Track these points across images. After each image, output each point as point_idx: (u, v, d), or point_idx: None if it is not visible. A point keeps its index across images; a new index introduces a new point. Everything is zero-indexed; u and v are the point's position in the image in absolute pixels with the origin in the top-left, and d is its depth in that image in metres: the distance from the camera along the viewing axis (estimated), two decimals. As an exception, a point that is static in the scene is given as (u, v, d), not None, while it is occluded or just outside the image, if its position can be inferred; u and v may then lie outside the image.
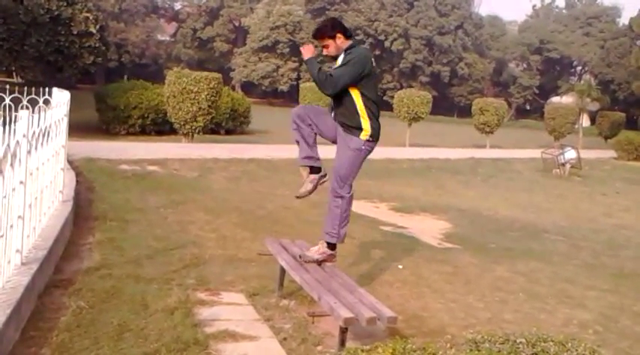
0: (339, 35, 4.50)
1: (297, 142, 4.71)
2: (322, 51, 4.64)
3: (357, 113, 4.50)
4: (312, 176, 4.73)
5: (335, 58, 4.59)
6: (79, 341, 3.75)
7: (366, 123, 4.51)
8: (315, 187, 4.74)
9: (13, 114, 5.44)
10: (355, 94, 4.48)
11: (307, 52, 4.57)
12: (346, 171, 4.58)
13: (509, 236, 9.21)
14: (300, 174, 4.84)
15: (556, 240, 9.19)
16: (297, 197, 4.81)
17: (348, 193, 4.62)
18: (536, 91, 63.28)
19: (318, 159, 4.74)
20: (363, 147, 4.56)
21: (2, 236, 3.80)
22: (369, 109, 4.52)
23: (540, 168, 19.50)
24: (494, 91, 62.07)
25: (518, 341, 2.73)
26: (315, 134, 4.70)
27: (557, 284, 6.52)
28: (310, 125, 4.64)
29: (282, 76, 56.65)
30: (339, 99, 4.54)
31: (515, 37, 66.76)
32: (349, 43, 4.54)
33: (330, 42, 4.51)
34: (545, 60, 63.75)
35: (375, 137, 4.58)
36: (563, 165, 18.85)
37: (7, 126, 3.92)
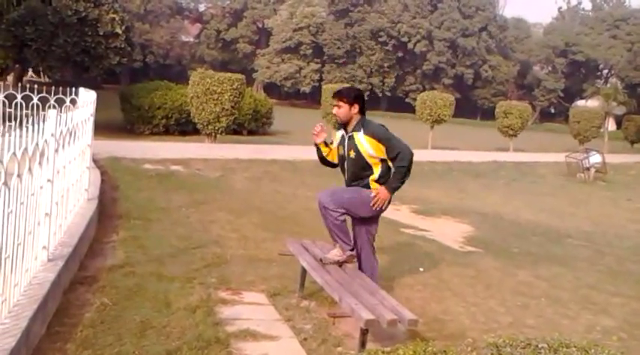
0: (355, 105, 4.66)
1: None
2: (333, 108, 4.77)
3: (369, 180, 4.64)
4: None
5: (341, 122, 4.73)
6: (103, 337, 3.81)
7: (375, 186, 4.65)
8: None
9: (41, 113, 5.54)
10: (376, 165, 4.62)
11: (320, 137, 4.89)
12: (345, 202, 4.62)
13: (532, 240, 9.12)
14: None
15: (579, 246, 9.07)
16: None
17: (338, 215, 4.61)
18: (561, 95, 62.46)
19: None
20: (372, 195, 4.62)
21: (30, 233, 3.87)
22: (381, 175, 4.64)
23: (564, 173, 19.25)
24: (518, 94, 61.40)
25: (540, 346, 2.70)
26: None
27: (580, 289, 6.44)
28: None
29: (304, 77, 56.74)
30: (362, 169, 4.64)
31: (540, 39, 65.98)
32: (360, 117, 4.68)
33: (345, 106, 4.66)
34: (571, 63, 62.90)
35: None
36: (588, 169, 18.58)
37: (35, 125, 4.00)
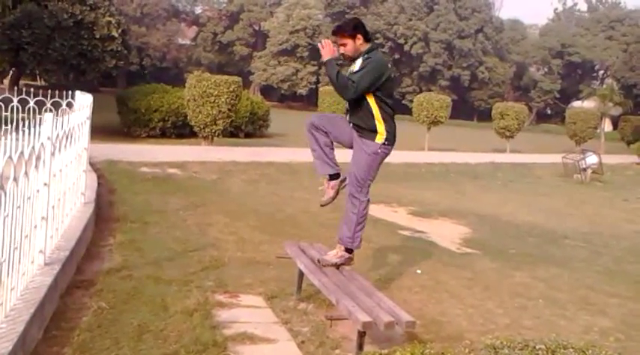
0: (358, 36, 4.47)
1: (314, 151, 4.70)
2: (339, 49, 4.59)
3: (373, 117, 4.48)
4: (333, 182, 4.73)
5: (351, 59, 4.55)
6: (100, 341, 3.80)
7: (381, 126, 4.48)
8: (337, 193, 4.75)
9: (37, 116, 5.54)
10: (371, 99, 4.46)
11: (327, 51, 4.51)
12: (364, 174, 4.56)
13: (529, 241, 9.13)
14: (320, 182, 4.85)
15: (577, 246, 9.09)
16: (321, 205, 4.80)
17: (366, 197, 4.61)
18: (558, 96, 62.63)
19: (337, 165, 4.75)
20: (379, 151, 4.53)
21: (27, 236, 3.87)
22: (384, 113, 4.50)
23: (561, 173, 19.29)
24: (514, 95, 61.55)
25: (537, 347, 2.71)
26: (332, 142, 4.70)
27: (577, 290, 6.45)
28: (326, 133, 4.64)
29: (301, 79, 56.77)
30: (355, 102, 4.52)
31: (536, 40, 66.13)
32: (368, 46, 4.52)
33: (349, 41, 4.47)
34: (567, 64, 63.07)
35: (390, 140, 4.55)
36: (585, 170, 18.62)
37: (32, 129, 3.99)
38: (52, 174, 4.51)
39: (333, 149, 4.72)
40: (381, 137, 4.50)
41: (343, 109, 4.91)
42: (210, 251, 6.19)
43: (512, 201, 13.66)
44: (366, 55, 4.47)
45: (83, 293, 4.56)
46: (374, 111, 4.48)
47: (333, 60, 4.52)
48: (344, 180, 4.74)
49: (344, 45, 4.50)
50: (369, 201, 4.63)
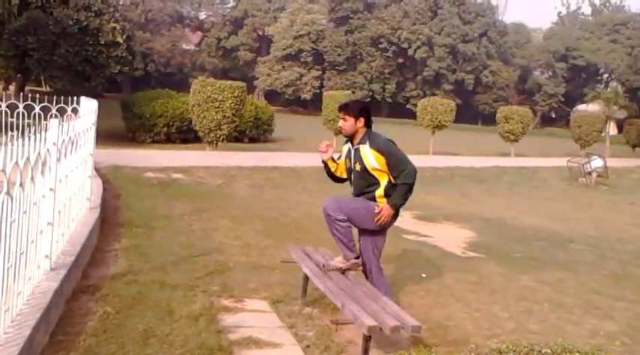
0: (361, 119, 4.65)
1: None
2: (339, 121, 4.76)
3: (376, 194, 4.60)
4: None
5: (347, 135, 4.71)
6: (106, 345, 3.81)
7: (382, 201, 4.60)
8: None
9: (43, 122, 5.56)
10: (383, 180, 4.59)
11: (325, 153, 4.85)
12: (346, 206, 4.60)
13: (535, 245, 9.11)
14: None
15: (582, 250, 9.06)
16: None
17: (344, 221, 4.59)
18: (562, 99, 62.45)
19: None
20: (378, 208, 4.58)
21: (33, 242, 3.88)
22: (389, 189, 4.60)
23: (566, 177, 19.24)
24: (518, 99, 61.43)
25: (543, 351, 2.70)
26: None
27: (583, 294, 6.43)
28: (345, 219, 4.63)
29: (305, 84, 56.83)
30: (364, 180, 4.63)
31: (541, 44, 66.03)
32: (365, 130, 4.67)
33: (351, 120, 4.64)
34: (571, 67, 62.93)
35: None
36: (590, 173, 18.56)
37: (37, 135, 4.01)
38: (57, 180, 4.53)
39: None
40: (382, 205, 4.60)
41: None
42: (216, 255, 6.20)
43: (517, 204, 13.63)
44: (370, 140, 4.60)
45: (89, 298, 4.58)
46: (380, 189, 4.60)
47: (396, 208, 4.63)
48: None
49: (345, 120, 4.68)
50: (344, 220, 4.61)
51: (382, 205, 4.57)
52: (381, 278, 4.77)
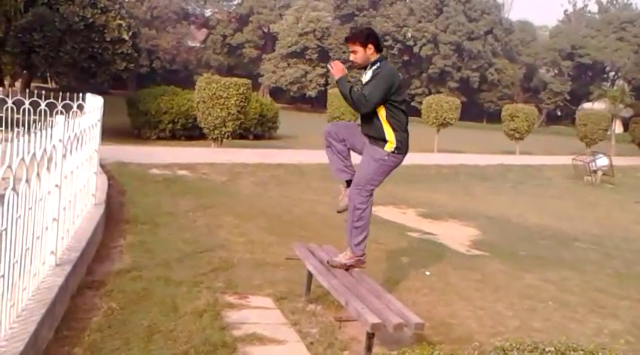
0: (370, 46, 4.51)
1: (330, 158, 4.73)
2: (350, 55, 4.65)
3: (383, 127, 4.51)
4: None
5: (361, 67, 4.61)
6: (110, 341, 3.82)
7: (390, 135, 4.51)
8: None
9: (49, 118, 5.58)
10: (381, 111, 4.50)
11: (337, 71, 4.57)
12: (364, 179, 4.56)
13: (539, 244, 9.09)
14: (339, 189, 4.84)
15: (587, 249, 9.04)
16: (338, 211, 4.79)
17: (364, 204, 4.55)
18: (568, 97, 62.21)
19: (354, 171, 4.74)
20: (387, 158, 4.53)
21: (38, 238, 3.90)
22: (396, 122, 4.52)
23: (571, 175, 19.18)
24: (524, 97, 61.20)
25: (547, 349, 2.70)
26: (349, 149, 4.72)
27: (588, 293, 6.42)
28: (343, 140, 4.68)
29: (310, 81, 56.77)
30: (366, 113, 4.55)
31: (547, 42, 65.75)
32: (377, 56, 4.56)
33: (360, 49, 4.52)
34: (577, 65, 62.66)
35: (401, 150, 4.56)
36: (595, 172, 18.51)
37: (43, 131, 4.03)
38: (63, 176, 4.55)
39: (349, 156, 4.76)
40: (390, 145, 4.52)
41: (353, 113, 4.95)
42: (220, 252, 6.21)
43: (521, 202, 13.61)
44: (374, 66, 4.51)
45: (94, 294, 4.60)
46: (384, 122, 4.51)
47: (343, 77, 4.56)
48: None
49: (355, 52, 4.55)
50: (368, 208, 4.57)
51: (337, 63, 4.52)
52: (354, 197, 4.56)
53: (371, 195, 4.60)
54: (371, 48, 4.52)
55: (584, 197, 15.70)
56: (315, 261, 4.88)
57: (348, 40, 4.64)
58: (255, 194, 10.55)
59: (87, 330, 3.93)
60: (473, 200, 13.31)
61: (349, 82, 4.59)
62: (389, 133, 4.51)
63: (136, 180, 10.00)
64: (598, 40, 63.10)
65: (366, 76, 4.55)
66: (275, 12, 61.77)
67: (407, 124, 4.62)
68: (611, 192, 17.30)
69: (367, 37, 4.54)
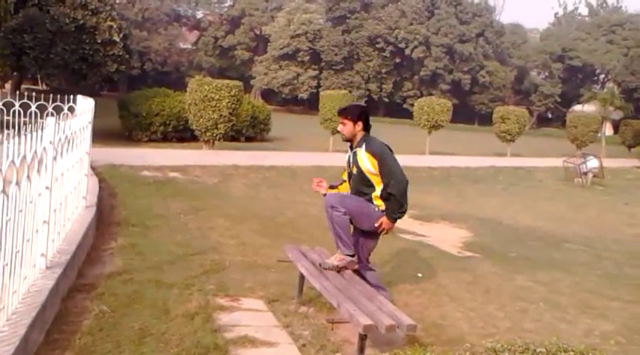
0: (359, 123, 4.71)
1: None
2: (339, 125, 4.84)
3: (372, 197, 4.64)
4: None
5: (346, 139, 4.78)
6: (101, 344, 3.81)
7: (379, 203, 4.64)
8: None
9: (39, 120, 5.55)
10: (377, 182, 4.61)
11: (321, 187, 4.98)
12: (351, 207, 4.61)
13: (530, 245, 9.13)
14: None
15: (578, 250, 9.09)
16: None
17: (338, 216, 4.60)
18: (558, 100, 62.53)
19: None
20: (376, 210, 4.62)
21: (28, 240, 3.88)
22: (383, 192, 4.63)
23: (562, 177, 19.28)
24: (515, 99, 61.49)
25: (538, 350, 2.71)
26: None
27: (578, 294, 6.45)
28: (345, 213, 4.64)
29: (302, 83, 56.79)
30: (361, 183, 4.66)
31: (537, 44, 66.12)
32: (363, 134, 4.73)
33: (349, 123, 4.72)
34: (568, 68, 63.03)
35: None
36: (586, 174, 18.61)
37: (34, 133, 4.01)
38: (53, 178, 4.52)
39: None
40: (380, 207, 4.65)
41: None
42: (212, 254, 6.20)
43: (513, 204, 13.66)
44: (365, 144, 4.65)
45: (84, 297, 4.57)
46: (375, 192, 4.64)
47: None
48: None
49: (344, 124, 4.76)
50: (343, 213, 4.62)
51: (381, 218, 4.60)
52: (370, 273, 4.82)
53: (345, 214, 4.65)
54: (360, 125, 4.73)
55: (574, 199, 15.79)
56: (307, 263, 4.88)
57: (341, 113, 4.84)
58: (247, 196, 10.54)
59: (78, 333, 3.92)
60: (464, 202, 13.35)
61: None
62: (377, 201, 4.65)
63: (127, 182, 9.96)
64: (588, 43, 63.55)
65: (361, 154, 4.63)
66: (267, 14, 61.76)
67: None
68: (602, 193, 17.41)
69: (359, 115, 4.75)
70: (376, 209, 4.63)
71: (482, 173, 18.41)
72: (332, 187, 4.99)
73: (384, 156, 4.60)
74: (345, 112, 4.79)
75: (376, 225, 4.62)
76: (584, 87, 62.18)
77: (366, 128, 4.75)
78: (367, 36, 57.73)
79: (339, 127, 4.82)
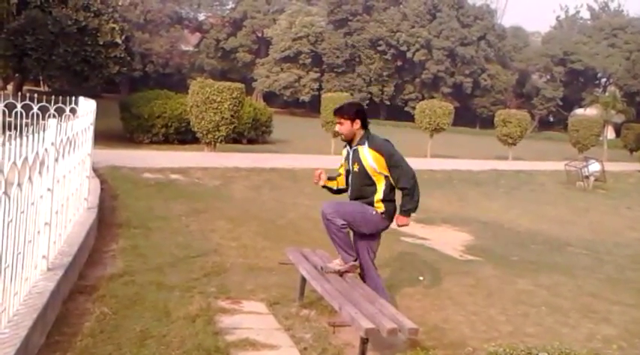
0: (357, 121, 4.66)
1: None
2: (336, 126, 4.79)
3: (374, 197, 4.60)
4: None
5: (345, 139, 4.73)
6: (102, 346, 3.80)
7: (380, 206, 4.60)
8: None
9: (41, 122, 5.55)
10: (380, 183, 4.58)
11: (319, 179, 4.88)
12: (348, 216, 4.58)
13: (532, 249, 9.12)
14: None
15: (580, 254, 9.07)
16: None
17: (341, 226, 4.57)
18: (560, 103, 62.55)
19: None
20: (374, 214, 4.58)
21: (30, 242, 3.87)
22: (388, 193, 4.62)
23: (564, 181, 19.26)
24: (517, 103, 61.46)
25: (539, 354, 2.70)
26: (347, 227, 4.68)
27: (580, 298, 6.43)
28: (345, 225, 4.61)
29: (303, 86, 56.83)
30: (361, 182, 4.62)
31: (539, 48, 66.12)
32: (363, 132, 4.68)
33: (347, 123, 4.66)
34: (569, 71, 63.02)
35: (387, 216, 4.64)
36: (587, 177, 18.59)
37: (36, 135, 4.01)
38: (55, 180, 4.52)
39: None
40: (379, 209, 4.61)
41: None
42: (213, 257, 6.20)
43: (514, 208, 13.65)
44: (367, 141, 4.60)
45: (86, 299, 4.57)
46: (378, 194, 4.60)
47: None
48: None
49: (341, 124, 4.69)
50: (344, 227, 4.60)
51: (396, 217, 4.58)
52: (376, 280, 4.77)
53: (344, 227, 4.62)
54: (358, 123, 4.66)
55: (576, 202, 15.77)
56: (309, 266, 4.87)
57: (337, 113, 4.76)
58: (248, 198, 10.54)
59: (79, 335, 3.91)
60: (466, 205, 13.34)
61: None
62: (378, 204, 4.61)
63: (128, 184, 9.96)
64: (590, 47, 63.53)
65: (364, 151, 4.58)
66: (269, 17, 61.81)
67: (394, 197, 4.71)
68: (604, 197, 17.38)
69: (356, 113, 4.69)
70: (374, 212, 4.59)
71: (484, 176, 18.39)
72: (330, 179, 4.92)
73: (390, 152, 4.56)
74: (341, 111, 4.72)
75: (398, 224, 4.59)
76: (586, 90, 62.24)
77: (365, 125, 4.69)
78: (369, 39, 57.77)
79: (337, 128, 4.76)
